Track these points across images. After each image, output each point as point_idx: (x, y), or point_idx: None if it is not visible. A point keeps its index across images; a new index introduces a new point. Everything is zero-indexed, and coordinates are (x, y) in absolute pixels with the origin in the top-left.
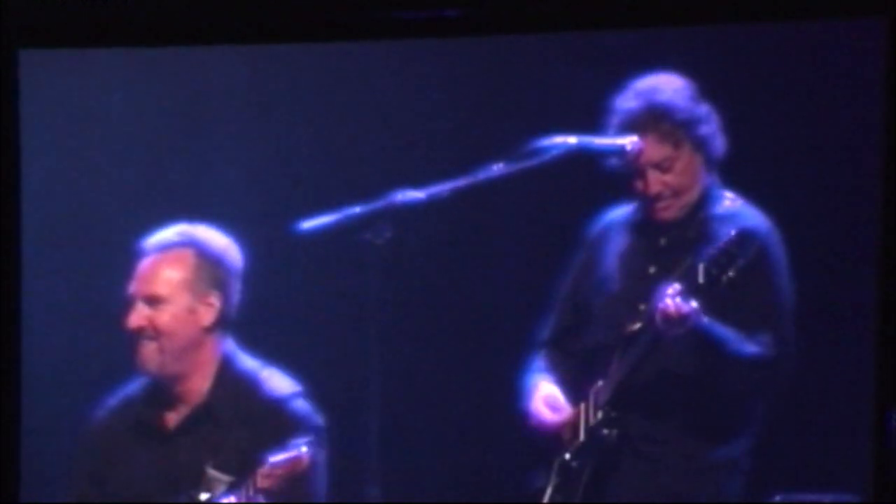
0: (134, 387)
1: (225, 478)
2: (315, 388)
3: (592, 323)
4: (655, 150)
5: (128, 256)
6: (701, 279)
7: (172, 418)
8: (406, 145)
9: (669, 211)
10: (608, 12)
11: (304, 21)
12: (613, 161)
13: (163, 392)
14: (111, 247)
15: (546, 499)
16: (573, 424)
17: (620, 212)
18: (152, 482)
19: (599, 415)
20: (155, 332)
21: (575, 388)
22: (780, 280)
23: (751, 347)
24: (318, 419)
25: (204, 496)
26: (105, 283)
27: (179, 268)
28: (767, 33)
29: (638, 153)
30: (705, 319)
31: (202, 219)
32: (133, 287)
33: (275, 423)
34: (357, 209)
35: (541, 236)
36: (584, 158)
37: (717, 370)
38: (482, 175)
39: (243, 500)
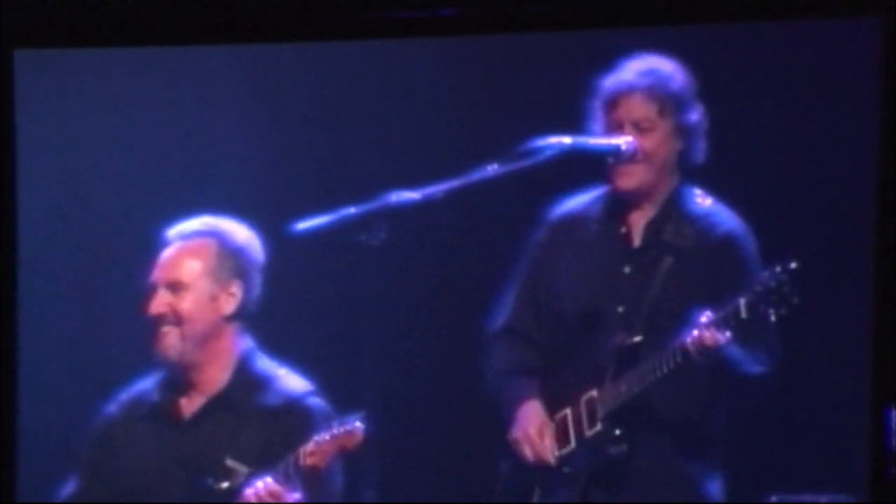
0: (146, 381)
1: (243, 468)
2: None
3: (562, 320)
4: (638, 107)
5: (124, 255)
6: (744, 314)
7: (188, 407)
8: (400, 145)
9: (631, 179)
10: (604, 12)
11: (297, 20)
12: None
13: (179, 382)
14: (107, 246)
15: (535, 498)
16: (561, 428)
17: (583, 200)
18: (165, 470)
19: (599, 426)
20: (176, 319)
21: (552, 387)
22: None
23: (756, 367)
24: (333, 418)
25: (224, 485)
26: (102, 281)
27: (202, 256)
28: (763, 32)
29: (619, 107)
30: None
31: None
32: (155, 274)
33: (291, 418)
34: (352, 210)
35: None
36: (578, 159)
37: (727, 391)
38: (477, 176)
39: (281, 479)
